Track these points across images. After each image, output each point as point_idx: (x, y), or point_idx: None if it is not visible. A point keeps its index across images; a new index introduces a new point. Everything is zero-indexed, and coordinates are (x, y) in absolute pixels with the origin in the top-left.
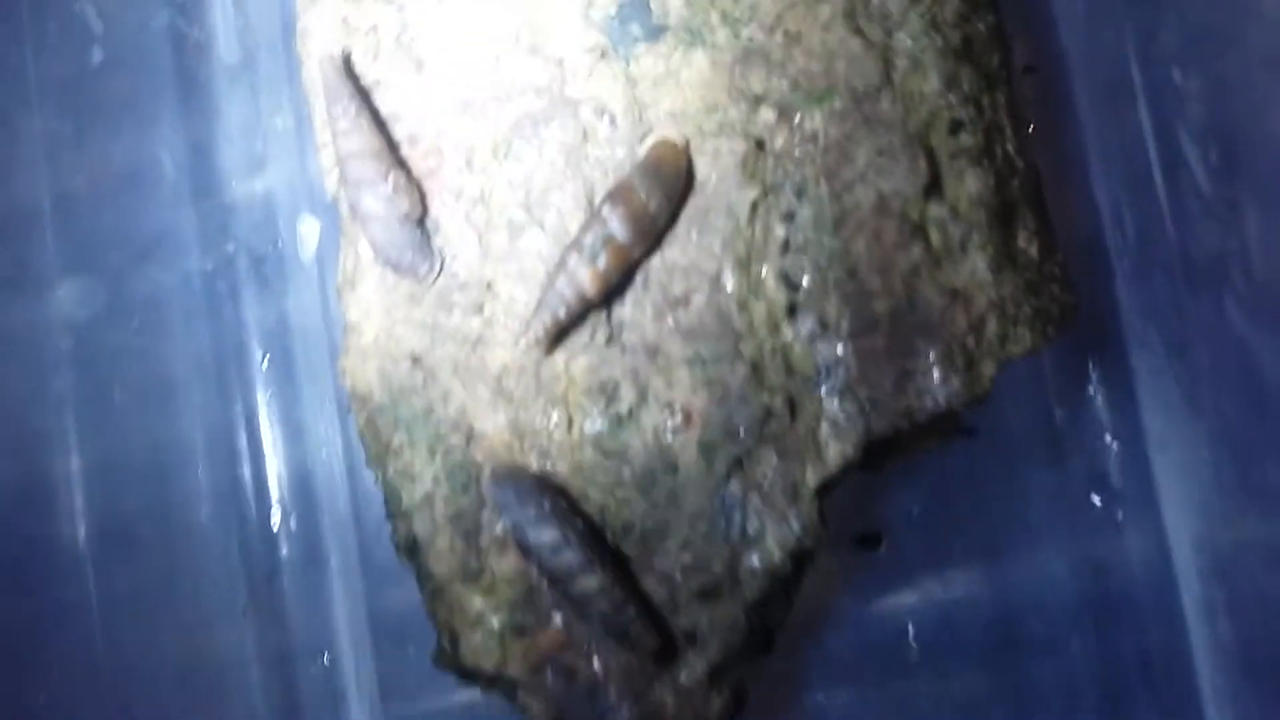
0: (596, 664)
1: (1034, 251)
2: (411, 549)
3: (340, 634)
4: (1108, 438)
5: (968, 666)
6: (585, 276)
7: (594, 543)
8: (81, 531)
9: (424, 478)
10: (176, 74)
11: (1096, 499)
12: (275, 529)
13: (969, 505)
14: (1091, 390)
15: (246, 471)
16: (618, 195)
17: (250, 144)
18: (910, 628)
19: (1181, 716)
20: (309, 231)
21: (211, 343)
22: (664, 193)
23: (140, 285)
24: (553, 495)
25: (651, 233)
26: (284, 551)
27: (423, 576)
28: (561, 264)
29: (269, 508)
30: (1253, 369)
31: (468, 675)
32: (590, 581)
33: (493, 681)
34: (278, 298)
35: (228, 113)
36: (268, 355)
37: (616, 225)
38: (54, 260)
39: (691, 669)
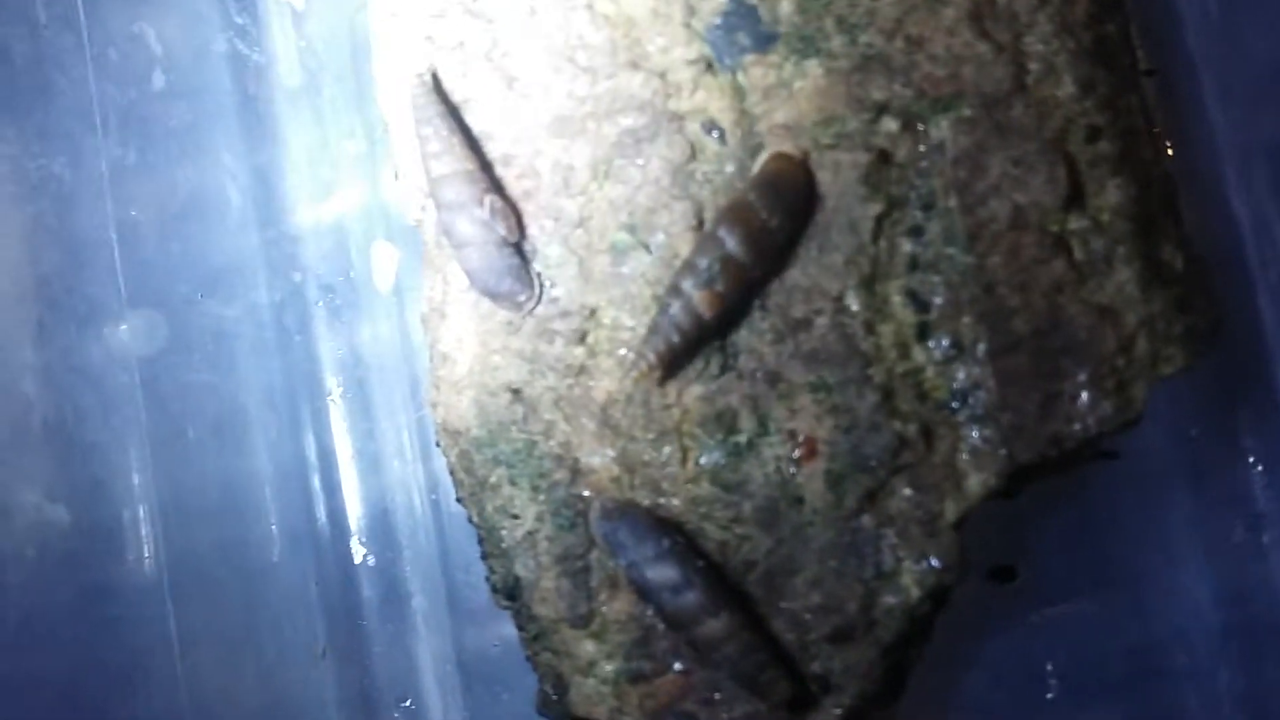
0: (722, 712)
1: (1179, 264)
2: (512, 591)
3: (424, 677)
4: (1250, 459)
5: (1108, 700)
6: (701, 300)
7: (717, 583)
8: (156, 572)
9: (526, 516)
10: (238, 99)
11: (1239, 525)
12: (355, 567)
13: (1106, 533)
14: (1233, 411)
15: (322, 509)
16: (734, 213)
17: (317, 170)
18: (1048, 663)
19: None
20: (385, 259)
21: (282, 376)
22: (785, 209)
23: (206, 318)
24: (670, 532)
25: (772, 251)
26: (364, 591)
27: (525, 620)
28: (674, 287)
29: (347, 546)
30: None
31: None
32: (715, 625)
33: None
34: (349, 328)
35: (292, 139)
36: (342, 388)
37: (734, 245)
38: (119, 293)
39: (825, 717)
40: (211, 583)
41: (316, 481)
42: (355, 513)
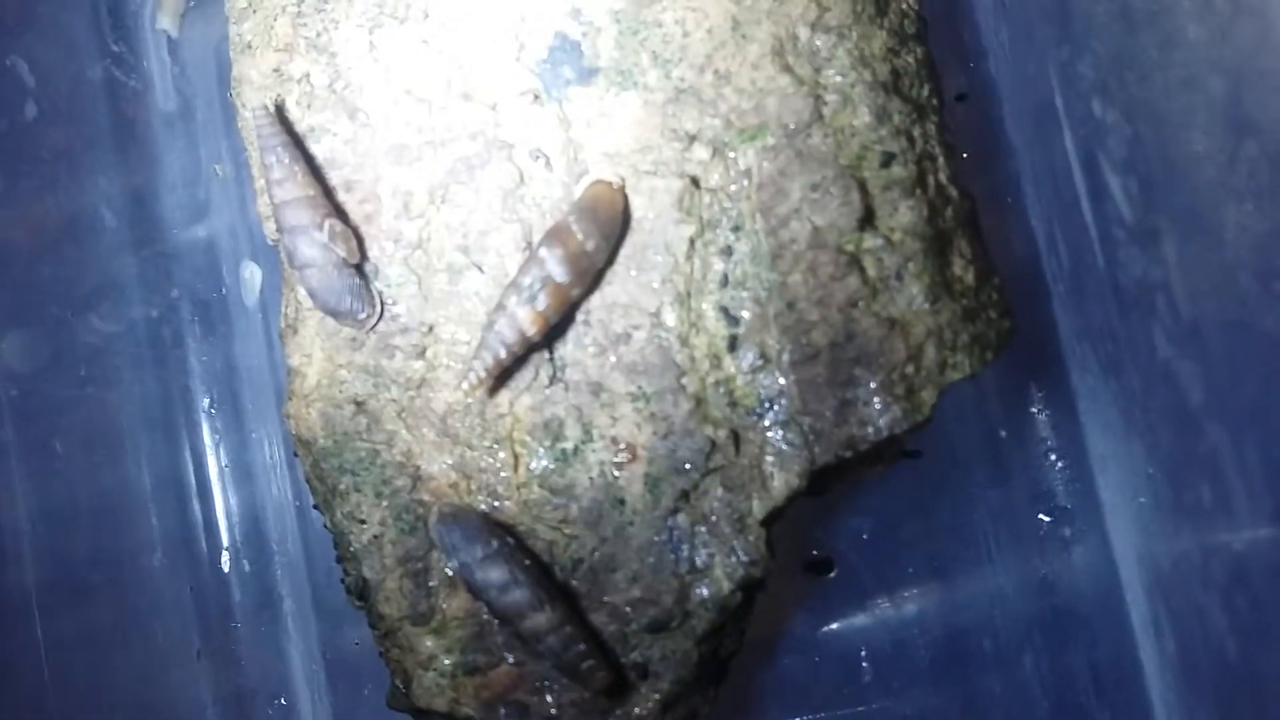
0: (550, 701)
1: (970, 279)
2: (362, 592)
3: (295, 676)
4: (1052, 457)
5: (920, 684)
6: (525, 317)
7: (542, 580)
8: (30, 580)
9: (371, 520)
10: (114, 124)
11: (1044, 517)
12: (227, 572)
13: (917, 527)
14: (1034, 411)
15: (197, 516)
16: (555, 236)
17: (192, 192)
18: (863, 649)
19: None
20: (252, 277)
21: (158, 389)
22: (601, 233)
23: (84, 335)
24: (500, 534)
25: (590, 272)
26: (237, 595)
27: (374, 619)
28: (501, 306)
29: (220, 552)
30: (1179, 392)
31: (421, 716)
32: (540, 619)
33: None
34: (223, 343)
35: (168, 161)
36: (214, 400)
37: (555, 266)
38: None
39: (644, 702)
40: (86, 590)
41: (193, 489)
42: (227, 520)
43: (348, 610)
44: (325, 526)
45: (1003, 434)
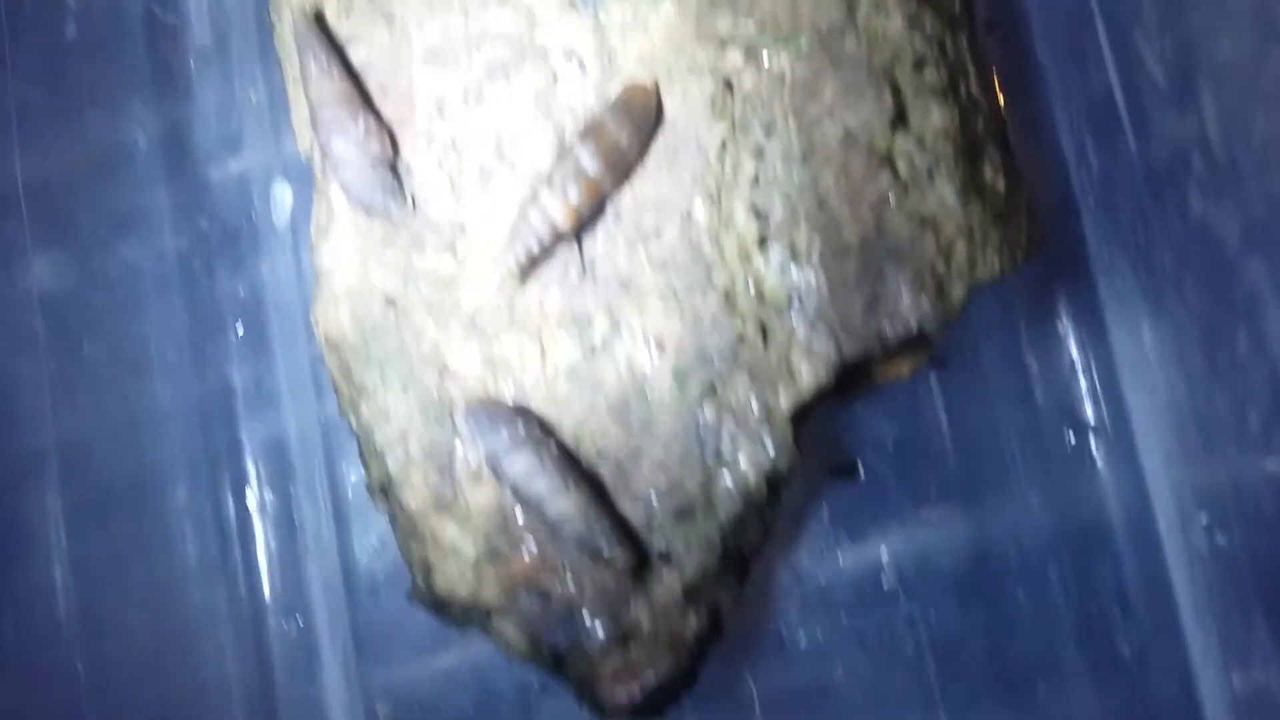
0: (571, 585)
1: (1000, 186)
2: (385, 488)
3: (313, 588)
4: (1079, 373)
5: (943, 593)
6: (557, 209)
7: (569, 465)
8: (57, 499)
9: (397, 415)
10: (150, 57)
11: (1070, 433)
12: (249, 492)
13: (944, 438)
14: (1062, 328)
15: (221, 439)
16: (589, 131)
17: (225, 125)
18: (885, 556)
19: (1160, 641)
20: (283, 198)
21: (187, 316)
22: (635, 128)
23: (114, 262)
24: (526, 420)
25: (622, 166)
26: (257, 512)
27: (396, 514)
28: (534, 197)
29: (244, 474)
30: (1213, 247)
31: (441, 611)
32: (566, 504)
33: (467, 613)
34: (251, 271)
35: (202, 95)
36: (243, 326)
37: (588, 160)
38: (27, 236)
39: (667, 588)
40: (111, 514)
41: (218, 413)
42: (251, 443)
43: (363, 522)
44: (351, 430)
45: (1029, 351)
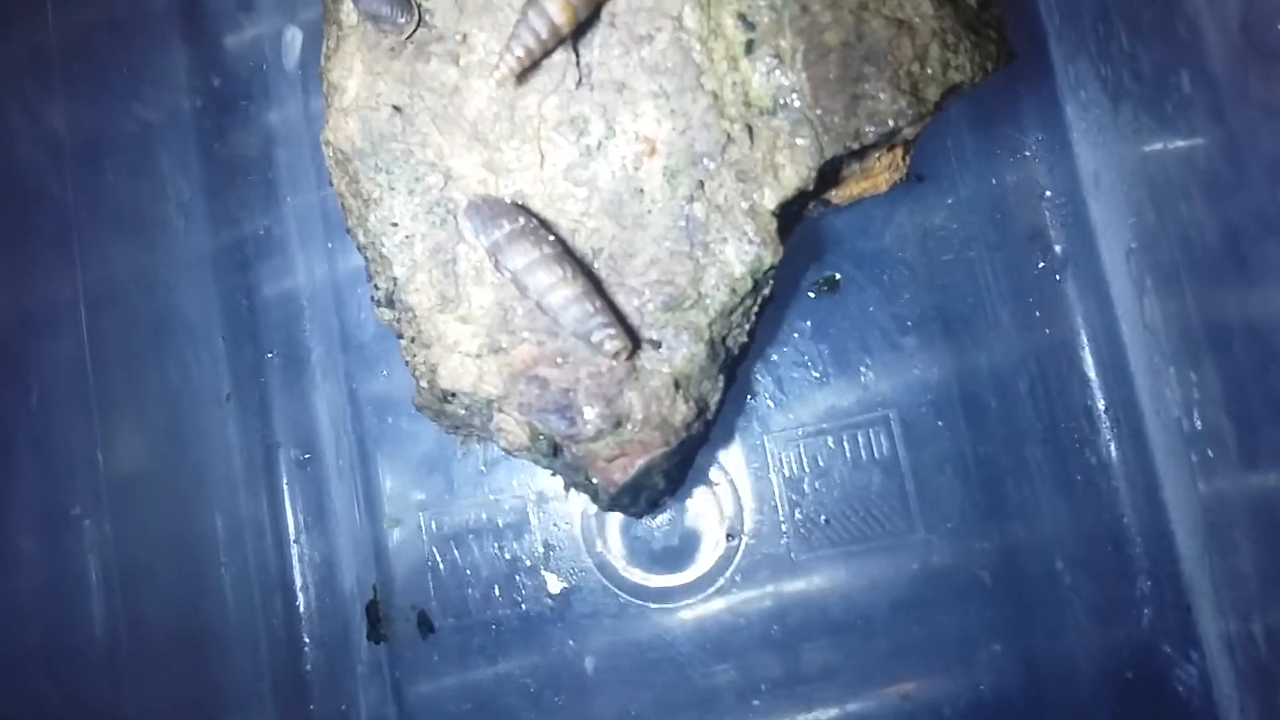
0: (568, 373)
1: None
2: (390, 298)
3: (321, 422)
4: (1046, 194)
5: (919, 392)
6: (555, 8)
7: (567, 255)
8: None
9: (403, 219)
10: None
11: (1039, 259)
12: (260, 330)
13: (918, 251)
14: (1032, 157)
15: (235, 286)
16: None
17: None
18: (867, 360)
19: (1126, 452)
20: (293, 39)
21: (200, 172)
22: None
23: (126, 121)
24: (525, 213)
25: None
26: (268, 347)
27: (404, 319)
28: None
29: (259, 317)
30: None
31: (447, 402)
32: (564, 291)
33: (470, 410)
34: (262, 126)
35: None
36: (251, 179)
37: None
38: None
39: (658, 374)
40: (135, 356)
41: (229, 264)
42: (264, 292)
43: (370, 358)
44: (359, 248)
45: (1000, 172)
